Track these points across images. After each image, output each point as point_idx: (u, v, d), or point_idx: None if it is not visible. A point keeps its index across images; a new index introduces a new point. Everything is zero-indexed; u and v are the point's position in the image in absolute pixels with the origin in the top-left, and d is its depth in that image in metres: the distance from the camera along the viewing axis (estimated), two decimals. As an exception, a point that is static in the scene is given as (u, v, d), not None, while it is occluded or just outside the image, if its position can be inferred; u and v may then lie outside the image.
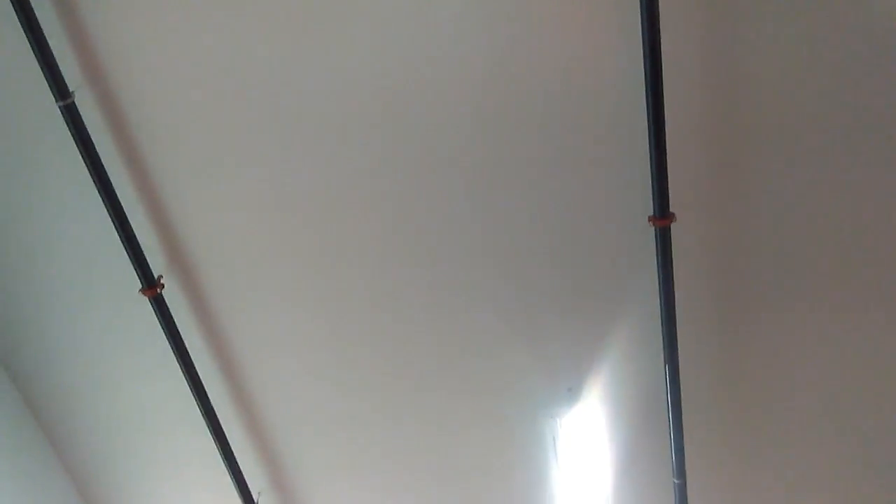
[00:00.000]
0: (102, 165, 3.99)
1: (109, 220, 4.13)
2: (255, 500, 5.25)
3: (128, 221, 4.16)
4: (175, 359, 4.61)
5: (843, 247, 4.14)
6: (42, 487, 5.29)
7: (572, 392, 4.73)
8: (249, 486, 5.26)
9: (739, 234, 4.17)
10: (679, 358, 4.25)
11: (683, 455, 4.49)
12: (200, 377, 4.74)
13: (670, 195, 3.79)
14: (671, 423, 4.39)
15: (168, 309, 4.44)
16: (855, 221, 4.06)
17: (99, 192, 4.03)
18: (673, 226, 3.86)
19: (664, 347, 4.21)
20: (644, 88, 3.55)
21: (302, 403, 5.06)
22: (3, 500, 4.93)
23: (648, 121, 3.61)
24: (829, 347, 4.46)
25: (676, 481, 4.62)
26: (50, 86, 3.72)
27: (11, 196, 4.38)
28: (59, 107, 3.77)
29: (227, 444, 4.95)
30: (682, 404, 4.41)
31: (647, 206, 3.89)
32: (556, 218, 4.16)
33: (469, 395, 4.87)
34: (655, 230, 3.85)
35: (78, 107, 3.83)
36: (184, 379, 4.71)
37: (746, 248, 4.19)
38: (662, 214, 3.79)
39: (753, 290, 4.31)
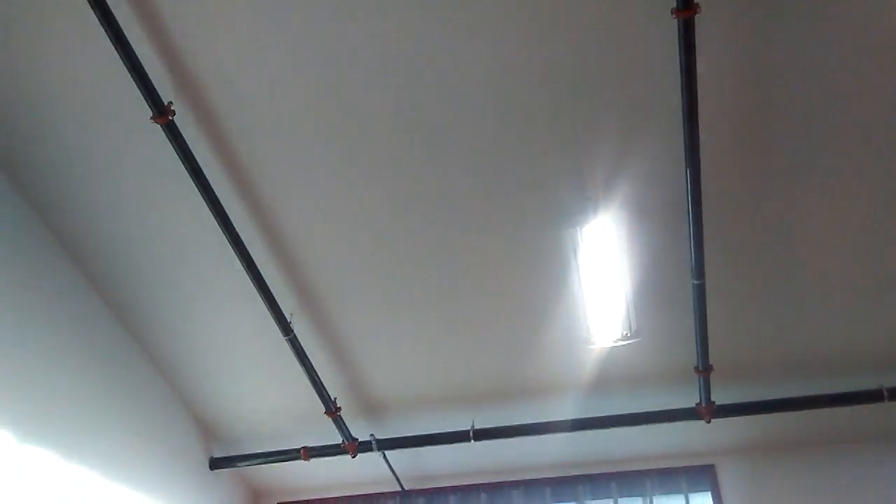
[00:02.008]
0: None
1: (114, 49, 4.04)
2: (289, 320, 5.48)
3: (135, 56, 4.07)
4: (195, 186, 4.65)
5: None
6: (87, 324, 5.56)
7: (593, 201, 4.73)
8: (282, 307, 5.47)
9: (764, 29, 3.96)
10: (700, 161, 4.18)
11: (703, 255, 4.53)
12: (222, 202, 4.80)
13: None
14: (691, 226, 4.39)
15: (181, 135, 4.41)
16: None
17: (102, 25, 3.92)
18: (696, 18, 3.66)
19: (685, 150, 4.13)
20: None
21: (326, 225, 5.13)
22: (48, 333, 5.19)
23: None
24: (851, 159, 4.37)
25: (695, 282, 4.69)
26: None
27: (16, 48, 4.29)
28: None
29: (256, 267, 5.08)
30: (703, 206, 4.39)
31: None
32: (580, 10, 3.97)
33: (492, 206, 4.89)
34: (679, 22, 3.65)
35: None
36: (206, 205, 4.77)
37: (771, 45, 3.99)
38: (686, 5, 3.58)
39: (779, 91, 4.16)
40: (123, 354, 5.90)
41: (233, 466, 6.82)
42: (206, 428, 6.85)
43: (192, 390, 6.50)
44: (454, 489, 7.04)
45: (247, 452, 6.89)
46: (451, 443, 6.16)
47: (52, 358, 5.17)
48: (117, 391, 5.77)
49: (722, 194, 4.63)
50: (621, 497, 6.54)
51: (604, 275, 5.04)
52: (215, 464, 6.83)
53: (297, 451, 6.49)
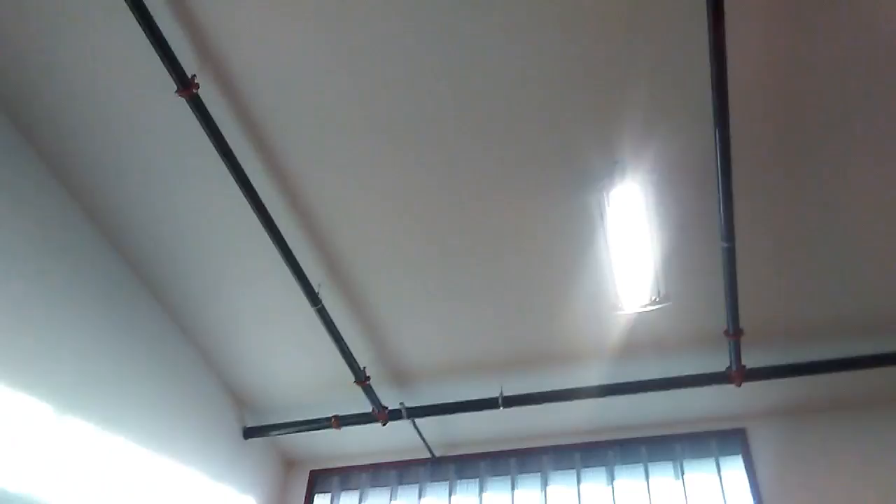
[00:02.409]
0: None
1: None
2: (316, 291, 5.52)
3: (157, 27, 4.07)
4: (221, 160, 4.67)
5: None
6: (122, 300, 5.65)
7: (620, 164, 4.67)
8: (309, 277, 5.51)
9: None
10: (729, 122, 4.11)
11: (732, 218, 4.46)
12: (248, 175, 4.82)
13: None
14: (720, 187, 4.33)
15: (206, 108, 4.43)
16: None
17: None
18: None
19: (714, 110, 4.04)
20: None
21: (353, 196, 5.14)
22: (85, 309, 5.29)
23: None
24: (887, 118, 4.25)
25: (725, 245, 4.63)
26: None
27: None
28: None
29: (283, 238, 5.11)
30: (732, 167, 4.32)
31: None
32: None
33: (519, 173, 4.86)
34: (705, -20, 3.57)
35: None
36: (232, 179, 4.80)
37: (801, 2, 3.89)
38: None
39: (812, 49, 4.05)
40: (157, 329, 6.00)
41: (265, 435, 6.94)
42: (239, 399, 6.97)
43: (224, 362, 6.60)
44: (484, 455, 7.11)
45: (279, 422, 7.01)
46: (480, 410, 6.20)
47: (89, 334, 5.27)
48: (152, 364, 5.88)
49: (751, 155, 4.55)
50: (651, 462, 6.55)
51: (631, 239, 4.99)
52: (248, 433, 6.95)
53: (328, 419, 6.58)
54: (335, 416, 6.56)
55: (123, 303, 5.67)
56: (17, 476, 4.55)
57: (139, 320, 5.81)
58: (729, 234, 4.56)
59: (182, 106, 4.64)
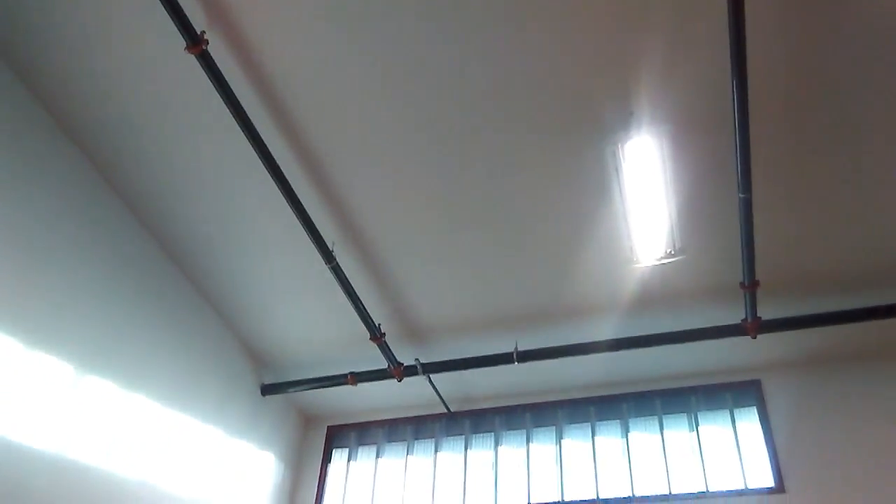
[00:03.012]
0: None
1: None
2: (331, 249, 5.52)
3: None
4: (233, 118, 4.63)
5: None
6: (140, 263, 5.67)
7: (636, 116, 4.61)
8: (323, 236, 5.51)
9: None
10: (747, 72, 4.02)
11: (749, 168, 4.40)
12: (260, 133, 4.79)
13: None
14: (737, 138, 4.26)
15: (216, 65, 4.38)
16: None
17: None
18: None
19: (731, 59, 3.96)
20: None
21: (366, 152, 5.10)
22: (104, 273, 5.32)
23: None
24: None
25: (742, 195, 4.58)
26: None
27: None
28: None
29: (296, 196, 5.09)
30: (749, 117, 4.25)
31: None
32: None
33: (534, 127, 4.80)
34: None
35: None
36: (244, 137, 4.76)
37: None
38: None
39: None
40: (176, 291, 6.04)
41: (283, 392, 7.02)
42: (256, 357, 7.04)
43: (241, 322, 6.65)
44: (499, 410, 7.18)
45: (296, 379, 7.08)
46: (495, 365, 6.24)
47: (110, 297, 5.31)
48: (171, 326, 5.93)
49: (768, 106, 4.47)
50: (666, 414, 6.60)
51: (647, 192, 4.95)
52: (266, 390, 7.04)
53: (345, 376, 6.65)
54: (351, 373, 6.62)
55: (143, 266, 5.70)
56: (39, 433, 4.63)
57: (158, 283, 5.84)
58: (746, 185, 4.50)
59: (196, 65, 4.59)
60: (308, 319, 6.52)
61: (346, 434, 7.68)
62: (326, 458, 7.55)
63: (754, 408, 6.36)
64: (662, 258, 5.46)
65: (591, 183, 5.08)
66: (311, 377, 6.98)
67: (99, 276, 5.28)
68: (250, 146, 4.87)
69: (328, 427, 7.73)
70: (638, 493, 6.23)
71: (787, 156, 4.74)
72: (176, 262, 6.08)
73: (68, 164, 5.15)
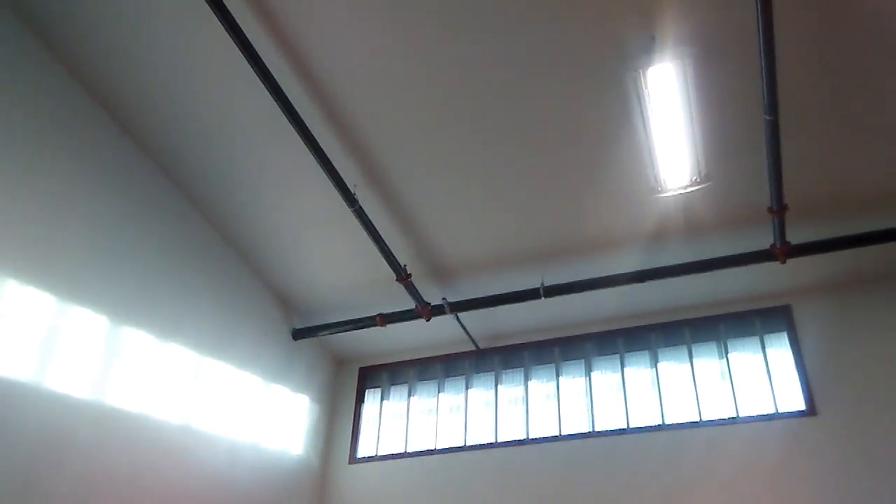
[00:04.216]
0: None
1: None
2: (353, 192, 5.51)
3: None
4: (248, 64, 4.59)
5: None
6: (169, 217, 5.72)
7: (658, 40, 4.48)
8: (345, 179, 5.50)
9: None
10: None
11: (776, 89, 4.27)
12: (276, 78, 4.75)
13: None
14: (762, 58, 4.13)
15: (228, 11, 4.32)
16: None
17: None
18: None
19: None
20: None
21: (384, 91, 5.04)
22: (135, 229, 5.37)
23: None
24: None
25: (767, 118, 4.47)
26: None
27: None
28: None
29: (314, 138, 5.06)
30: (774, 37, 4.11)
31: None
32: None
33: (553, 55, 4.70)
34: None
35: None
36: (261, 83, 4.72)
37: None
38: None
39: None
40: (204, 242, 6.09)
41: (314, 336, 7.13)
42: (286, 302, 7.13)
43: (270, 269, 6.72)
44: (527, 345, 7.24)
45: (326, 322, 7.18)
46: (522, 301, 6.26)
47: (140, 250, 5.38)
48: (202, 276, 6.01)
49: (794, 26, 4.31)
50: (695, 343, 6.60)
51: (670, 119, 4.85)
52: (297, 335, 7.15)
53: (373, 318, 6.72)
54: (380, 315, 6.69)
55: (173, 220, 5.75)
56: (81, 384, 4.77)
57: (188, 235, 5.90)
58: (772, 106, 4.38)
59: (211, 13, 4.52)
60: (335, 263, 6.57)
61: (378, 374, 7.81)
62: (360, 399, 7.71)
63: (784, 333, 6.33)
64: (688, 186, 5.38)
65: (614, 112, 4.98)
66: (340, 320, 7.07)
67: (130, 232, 5.35)
68: (266, 91, 4.82)
69: (360, 368, 7.86)
70: (668, 422, 6.29)
71: (813, 76, 4.59)
72: (203, 214, 6.12)
73: (94, 124, 5.16)
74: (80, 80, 5.10)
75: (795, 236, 5.59)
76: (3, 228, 4.41)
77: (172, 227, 5.80)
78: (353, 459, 7.30)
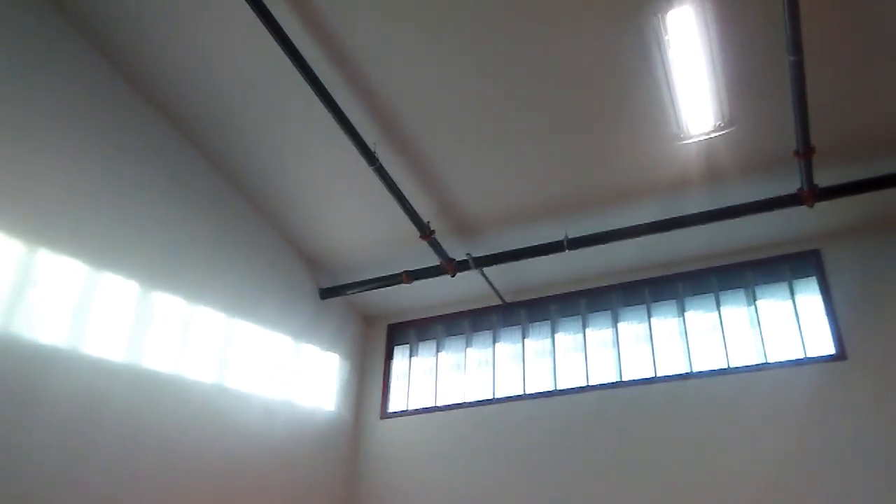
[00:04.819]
0: None
1: None
2: (373, 150, 5.52)
3: None
4: (264, 27, 4.57)
5: None
6: (195, 182, 5.78)
7: (673, -17, 4.38)
8: (364, 137, 5.50)
9: None
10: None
11: (799, 27, 4.16)
12: (292, 40, 4.73)
13: None
14: (785, -5, 4.02)
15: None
16: None
17: None
18: None
19: None
20: None
21: (401, 48, 5.00)
22: (162, 196, 5.44)
23: None
24: None
25: (791, 58, 4.35)
26: None
27: None
28: None
29: (327, 92, 5.04)
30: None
31: None
32: None
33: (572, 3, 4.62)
34: None
35: None
36: (276, 44, 4.71)
37: None
38: None
39: None
40: (231, 206, 6.17)
41: (341, 295, 7.22)
42: (312, 262, 7.21)
43: (296, 230, 6.78)
44: (553, 298, 7.25)
45: (352, 281, 7.26)
46: (546, 254, 6.25)
47: (168, 216, 5.46)
48: (228, 239, 6.09)
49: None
50: (722, 290, 6.56)
51: (691, 63, 4.76)
52: (325, 294, 7.24)
53: (399, 275, 6.77)
54: (405, 272, 6.73)
55: (199, 185, 5.82)
56: (115, 348, 4.90)
57: (213, 199, 5.97)
58: (796, 46, 4.27)
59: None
60: (359, 223, 6.61)
61: (406, 331, 7.90)
62: (389, 355, 7.81)
63: (814, 278, 6.26)
64: (711, 132, 5.29)
65: (634, 59, 4.89)
66: (367, 278, 7.14)
67: (157, 198, 5.45)
68: (283, 54, 4.81)
69: (388, 325, 7.95)
70: (695, 370, 6.29)
71: (838, 14, 4.45)
72: (229, 178, 6.18)
73: (119, 96, 5.21)
74: (110, 60, 5.13)
75: (823, 179, 5.48)
76: (35, 200, 4.51)
77: (198, 192, 5.87)
78: (385, 414, 7.43)
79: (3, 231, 4.29)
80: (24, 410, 4.22)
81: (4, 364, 4.17)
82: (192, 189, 5.82)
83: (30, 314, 4.38)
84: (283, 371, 6.54)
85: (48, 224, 4.57)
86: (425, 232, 6.15)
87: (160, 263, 5.39)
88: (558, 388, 6.79)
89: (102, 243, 4.93)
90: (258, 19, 4.60)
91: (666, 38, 4.63)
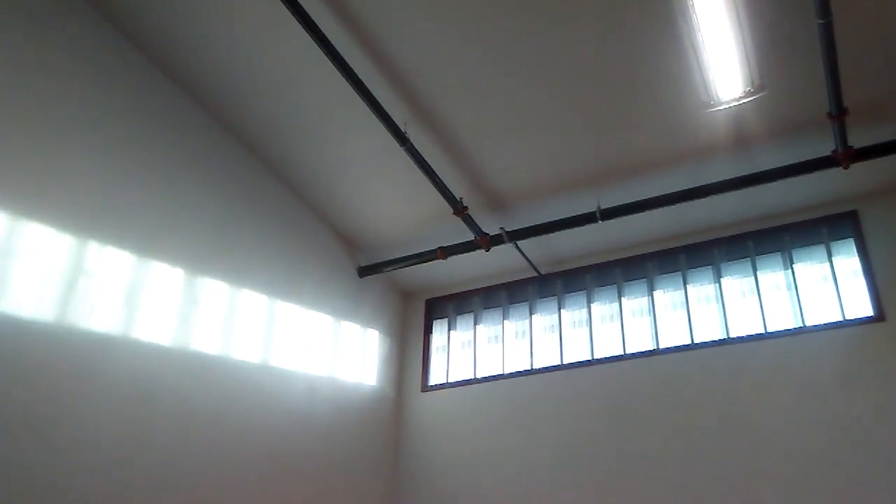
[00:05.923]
0: None
1: None
2: (403, 130, 5.59)
3: None
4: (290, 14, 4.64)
5: None
6: (233, 171, 5.93)
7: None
8: (394, 118, 5.57)
9: None
10: None
11: (827, -10, 4.12)
12: (318, 25, 4.80)
13: None
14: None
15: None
16: None
17: None
18: None
19: None
20: None
21: (429, 25, 5.04)
22: (204, 187, 5.60)
23: None
24: None
25: (821, 21, 4.30)
26: None
27: None
28: None
29: (355, 74, 5.10)
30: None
31: None
32: None
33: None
34: None
35: None
36: (302, 29, 4.76)
37: None
38: None
39: None
40: (270, 190, 6.31)
41: (378, 272, 7.36)
42: (350, 242, 7.35)
43: (333, 211, 6.91)
44: (589, 268, 7.29)
45: (389, 258, 7.39)
46: (579, 226, 6.29)
47: (209, 204, 5.62)
48: (267, 223, 6.25)
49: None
50: (759, 255, 6.53)
51: (719, 29, 4.72)
52: (363, 272, 7.39)
53: (434, 251, 6.88)
54: (440, 248, 6.84)
55: (237, 171, 5.97)
56: (163, 333, 5.10)
57: (252, 184, 6.12)
58: (825, 9, 4.22)
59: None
60: (393, 201, 6.71)
61: (443, 305, 8.03)
62: (428, 330, 7.96)
63: (851, 239, 6.20)
64: (742, 98, 5.25)
65: (661, 26, 4.86)
66: (403, 255, 7.26)
67: (198, 187, 5.60)
68: (310, 38, 4.88)
69: (426, 301, 8.09)
70: (732, 335, 6.30)
71: (870, -31, 4.39)
72: (266, 163, 6.32)
73: (158, 90, 5.35)
74: (148, 56, 5.26)
75: (857, 140, 5.42)
76: (84, 195, 4.69)
77: (238, 179, 6.02)
78: (425, 387, 7.60)
79: (56, 226, 4.48)
80: (83, 396, 4.44)
81: (63, 352, 4.38)
82: (232, 177, 5.97)
83: (83, 304, 4.59)
84: (325, 348, 6.72)
85: (96, 217, 4.75)
86: (458, 208, 6.24)
87: (204, 249, 5.57)
88: (595, 357, 6.87)
89: (149, 233, 5.11)
90: (290, 14, 4.66)
91: (693, 3, 4.60)
